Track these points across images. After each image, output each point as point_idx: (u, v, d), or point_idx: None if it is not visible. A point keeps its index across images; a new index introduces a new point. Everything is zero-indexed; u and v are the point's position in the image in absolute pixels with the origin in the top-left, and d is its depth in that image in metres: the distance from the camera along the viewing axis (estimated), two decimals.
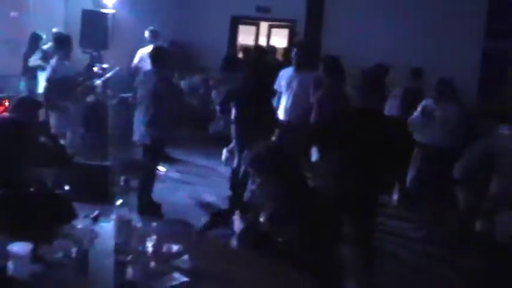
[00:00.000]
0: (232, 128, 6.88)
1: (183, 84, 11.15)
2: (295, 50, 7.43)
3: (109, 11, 10.29)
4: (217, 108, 7.86)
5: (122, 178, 6.50)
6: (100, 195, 5.82)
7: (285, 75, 7.30)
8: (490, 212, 3.75)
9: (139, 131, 6.47)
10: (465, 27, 10.06)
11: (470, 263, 5.07)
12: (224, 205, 6.70)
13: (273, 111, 7.12)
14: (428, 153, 6.82)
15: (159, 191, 6.92)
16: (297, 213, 3.23)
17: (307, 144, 5.19)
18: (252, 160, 3.46)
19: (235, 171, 6.64)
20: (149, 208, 6.39)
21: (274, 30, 13.68)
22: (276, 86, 7.36)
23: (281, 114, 7.20)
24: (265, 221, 3.33)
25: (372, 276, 4.66)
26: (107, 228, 3.34)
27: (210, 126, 10.45)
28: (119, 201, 3.15)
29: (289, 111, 7.12)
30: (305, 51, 7.31)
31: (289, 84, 7.16)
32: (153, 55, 6.58)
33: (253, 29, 13.65)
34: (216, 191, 7.49)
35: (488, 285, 3.92)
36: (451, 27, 10.20)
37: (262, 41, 13.63)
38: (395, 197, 8.14)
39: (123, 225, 3.08)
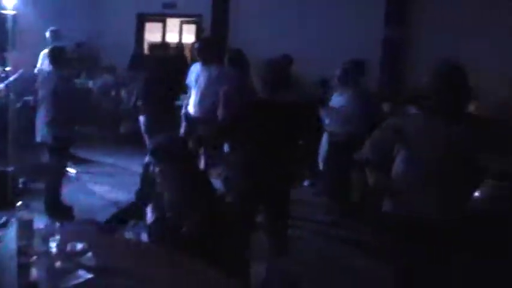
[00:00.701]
0: (142, 125, 6.89)
1: (92, 84, 11.02)
2: (197, 45, 7.51)
3: (9, 12, 10.00)
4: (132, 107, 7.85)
5: (20, 180, 6.40)
6: (4, 200, 5.72)
7: (194, 70, 7.37)
8: (396, 192, 3.87)
9: (41, 131, 6.39)
10: (366, 15, 10.40)
11: (379, 244, 5.22)
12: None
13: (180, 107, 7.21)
14: (331, 139, 7.07)
15: (69, 193, 6.84)
16: (195, 203, 3.31)
17: (218, 139, 5.25)
18: (152, 150, 3.54)
19: (146, 166, 6.64)
20: (60, 210, 6.32)
21: (185, 26, 13.67)
22: (187, 82, 7.42)
23: (191, 109, 7.27)
24: (168, 211, 3.40)
25: (284, 264, 4.77)
26: (11, 232, 3.30)
27: (122, 125, 10.39)
28: (19, 203, 3.12)
29: (198, 105, 7.19)
30: (207, 45, 7.38)
31: (197, 79, 7.23)
32: (51, 55, 6.52)
33: (160, 25, 13.58)
34: (127, 190, 7.45)
35: (398, 265, 4.02)
36: (353, 16, 10.52)
37: (174, 38, 13.57)
38: (306, 183, 8.40)
39: (25, 227, 3.06)
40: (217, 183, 6.88)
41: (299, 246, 5.83)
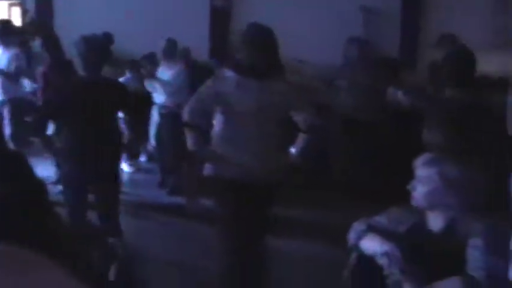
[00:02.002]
0: None
1: None
2: None
3: None
4: None
5: None
6: None
7: None
8: (215, 154, 3.97)
9: None
10: None
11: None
12: None
13: None
14: (162, 111, 7.13)
15: None
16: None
17: (41, 122, 5.04)
18: None
19: None
20: None
21: (13, 9, 12.93)
22: None
23: None
24: None
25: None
26: None
27: None
28: None
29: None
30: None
31: None
32: None
33: None
34: None
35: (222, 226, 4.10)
36: None
37: None
38: (142, 158, 8.43)
39: None
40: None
41: (134, 224, 5.81)
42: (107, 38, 7.19)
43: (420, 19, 10.23)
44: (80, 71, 4.71)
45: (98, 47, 4.82)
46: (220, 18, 10.33)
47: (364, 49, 7.07)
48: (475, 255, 2.48)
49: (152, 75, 7.21)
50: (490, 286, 2.39)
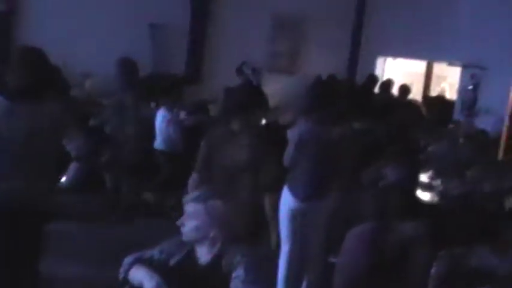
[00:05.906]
0: None
1: None
2: None
3: None
4: None
5: None
6: None
7: None
8: None
9: None
10: None
11: None
12: None
13: None
14: None
15: None
16: None
17: None
18: None
19: None
20: None
21: None
22: None
23: None
24: None
25: None
26: None
27: None
28: None
29: None
30: None
31: None
32: None
33: None
34: None
35: None
36: None
37: None
38: None
39: None
40: None
41: None
42: None
43: (206, 38, 10.68)
44: None
45: None
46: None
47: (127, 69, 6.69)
48: (237, 285, 2.68)
49: None
50: None
